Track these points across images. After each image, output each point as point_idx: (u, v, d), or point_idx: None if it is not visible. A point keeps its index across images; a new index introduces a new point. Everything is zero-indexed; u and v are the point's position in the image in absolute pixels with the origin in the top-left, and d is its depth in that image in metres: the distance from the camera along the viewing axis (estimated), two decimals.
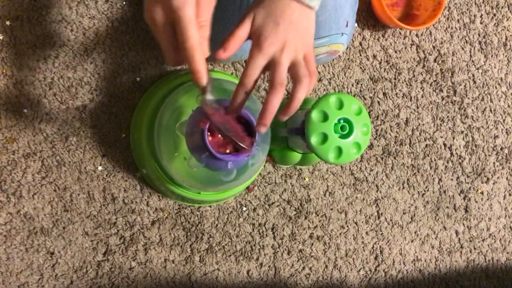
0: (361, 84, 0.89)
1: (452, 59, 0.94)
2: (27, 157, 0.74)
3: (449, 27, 0.94)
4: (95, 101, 0.76)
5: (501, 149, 0.97)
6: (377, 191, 0.90)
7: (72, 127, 0.75)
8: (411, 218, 0.92)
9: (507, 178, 0.98)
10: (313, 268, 0.87)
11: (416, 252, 0.93)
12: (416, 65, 0.93)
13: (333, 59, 0.87)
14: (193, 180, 0.68)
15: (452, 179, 0.95)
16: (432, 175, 0.93)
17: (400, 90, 0.91)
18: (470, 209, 0.96)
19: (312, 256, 0.87)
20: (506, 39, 0.98)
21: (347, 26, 0.72)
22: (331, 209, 0.88)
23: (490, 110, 0.97)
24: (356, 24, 0.88)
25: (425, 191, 0.93)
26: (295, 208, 0.86)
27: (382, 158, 0.91)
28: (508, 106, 0.98)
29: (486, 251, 0.97)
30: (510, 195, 0.99)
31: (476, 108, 0.96)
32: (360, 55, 0.89)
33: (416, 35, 0.93)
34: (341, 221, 0.88)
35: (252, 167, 0.63)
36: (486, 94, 0.97)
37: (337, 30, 0.71)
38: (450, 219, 0.95)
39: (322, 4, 0.66)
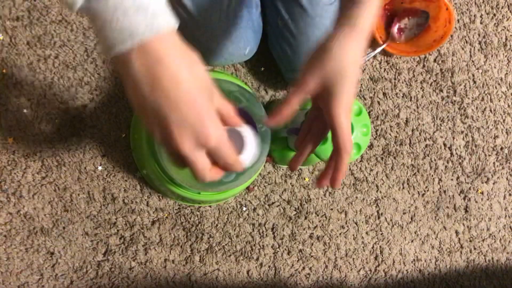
0: (361, 84, 0.89)
1: (452, 59, 0.94)
2: (27, 157, 0.73)
3: None
4: (95, 101, 0.76)
5: (501, 149, 0.97)
6: (377, 191, 0.90)
7: (72, 127, 0.75)
8: (411, 218, 0.92)
9: (507, 178, 0.98)
10: (313, 268, 0.87)
11: (416, 252, 0.93)
12: (416, 65, 0.92)
13: None
14: (193, 180, 0.68)
15: (452, 179, 0.95)
16: (432, 175, 0.93)
17: (400, 90, 0.91)
18: (470, 209, 0.96)
19: (312, 256, 0.87)
20: (506, 39, 0.97)
21: None
22: (331, 209, 0.88)
23: (490, 110, 0.97)
24: None
25: (425, 191, 0.93)
26: (295, 208, 0.86)
27: (382, 158, 0.90)
28: (508, 106, 0.98)
29: (486, 251, 0.97)
30: (510, 195, 0.99)
31: (476, 108, 0.96)
32: None
33: None
34: (341, 221, 0.88)
35: (252, 168, 0.62)
36: (486, 94, 0.96)
37: None
38: (450, 219, 0.95)
39: None
